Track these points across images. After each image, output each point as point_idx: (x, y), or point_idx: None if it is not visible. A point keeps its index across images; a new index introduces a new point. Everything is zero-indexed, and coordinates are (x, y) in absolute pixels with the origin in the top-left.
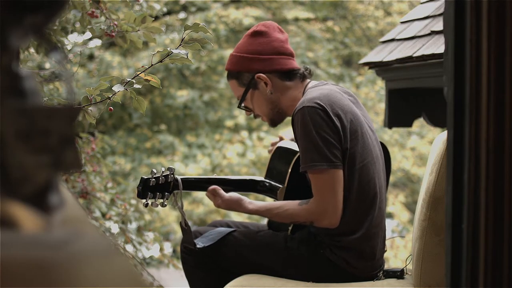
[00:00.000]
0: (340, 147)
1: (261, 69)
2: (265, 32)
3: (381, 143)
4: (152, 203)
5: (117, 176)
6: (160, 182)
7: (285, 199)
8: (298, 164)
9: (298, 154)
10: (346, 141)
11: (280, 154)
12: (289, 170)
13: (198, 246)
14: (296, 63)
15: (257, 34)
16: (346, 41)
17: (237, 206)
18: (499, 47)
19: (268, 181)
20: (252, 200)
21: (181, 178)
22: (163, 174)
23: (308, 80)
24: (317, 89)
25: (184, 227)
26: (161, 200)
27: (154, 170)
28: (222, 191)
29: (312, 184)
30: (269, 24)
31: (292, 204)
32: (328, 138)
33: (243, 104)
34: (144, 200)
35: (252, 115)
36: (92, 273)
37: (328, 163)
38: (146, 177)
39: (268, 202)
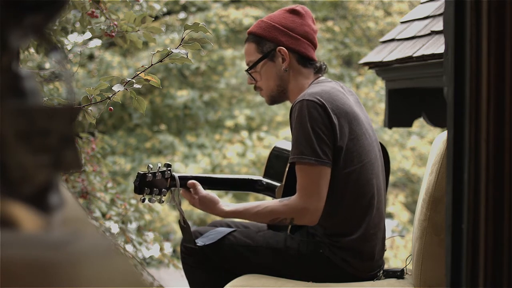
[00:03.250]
0: (333, 145)
1: (286, 44)
2: (302, 13)
3: (380, 144)
4: (149, 199)
5: (117, 176)
6: (157, 178)
7: (283, 197)
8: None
9: None
10: (342, 140)
11: (277, 153)
12: (287, 169)
13: (198, 244)
14: (315, 56)
15: (294, 12)
16: (346, 41)
17: (212, 206)
18: (499, 47)
19: (266, 180)
20: (230, 203)
21: (178, 176)
22: (160, 170)
23: (320, 75)
24: (319, 85)
25: (183, 225)
26: (158, 197)
27: (151, 165)
28: (201, 188)
29: (297, 177)
30: (307, 9)
31: (272, 202)
32: (321, 134)
33: (251, 71)
34: (141, 196)
35: (253, 86)
36: (92, 273)
37: (316, 158)
38: (142, 172)
39: (247, 203)
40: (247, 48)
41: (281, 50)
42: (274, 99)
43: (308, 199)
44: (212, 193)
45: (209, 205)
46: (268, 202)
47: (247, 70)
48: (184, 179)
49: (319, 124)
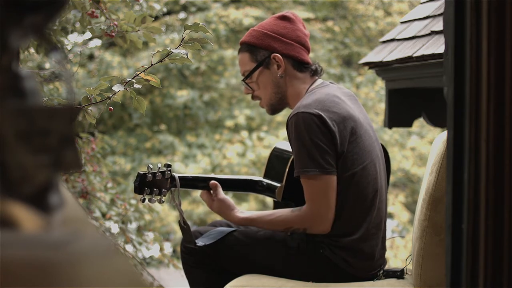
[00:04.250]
0: (335, 153)
1: (279, 50)
2: (292, 19)
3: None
4: (149, 199)
5: (117, 176)
6: (156, 178)
7: (283, 198)
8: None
9: None
10: (343, 145)
11: (277, 154)
12: (287, 170)
13: (198, 244)
14: (310, 60)
15: (284, 18)
16: (346, 41)
17: (228, 212)
18: (499, 47)
19: (266, 180)
20: (245, 210)
21: (178, 176)
22: (160, 170)
23: (316, 78)
24: (314, 93)
25: (183, 226)
26: (158, 197)
27: (151, 165)
28: (221, 190)
29: (304, 190)
30: (296, 15)
31: (284, 211)
32: (321, 144)
33: (247, 81)
34: (141, 196)
35: (251, 95)
36: (92, 273)
37: (320, 169)
38: (142, 172)
39: (261, 211)
40: (241, 58)
41: (275, 56)
42: (274, 107)
43: (317, 209)
44: (229, 198)
45: (225, 210)
46: (281, 211)
47: (243, 80)
48: (184, 180)
49: (317, 134)
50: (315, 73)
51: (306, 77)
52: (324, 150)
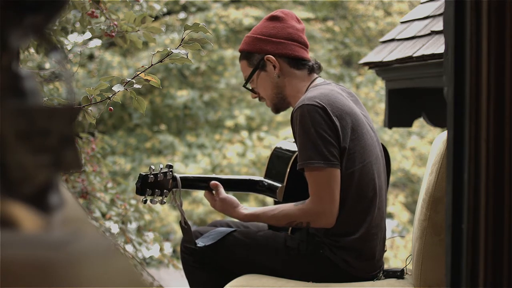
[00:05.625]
0: (338, 146)
1: (271, 51)
2: (282, 17)
3: (381, 144)
4: (151, 200)
5: (117, 176)
6: (158, 179)
7: (284, 198)
8: (297, 164)
9: (297, 153)
10: (345, 141)
11: (278, 154)
12: (288, 170)
13: (198, 245)
14: (308, 55)
15: (273, 18)
16: (346, 41)
17: (232, 209)
18: (499, 47)
19: (267, 180)
20: (248, 207)
21: (180, 176)
22: (162, 171)
23: (316, 75)
24: (318, 89)
25: (184, 226)
26: (160, 198)
27: (153, 167)
28: (222, 190)
29: (308, 182)
30: (287, 12)
31: (288, 206)
32: (326, 136)
33: (249, 85)
34: (142, 197)
35: (257, 98)
36: (92, 273)
37: (325, 161)
38: (144, 174)
39: (265, 206)
40: (241, 66)
41: (268, 58)
42: (277, 106)
43: (321, 203)
44: (232, 196)
45: (228, 208)
46: (284, 205)
47: (244, 86)
48: (185, 180)
49: (323, 126)
50: (313, 70)
51: (304, 74)
52: (329, 142)
